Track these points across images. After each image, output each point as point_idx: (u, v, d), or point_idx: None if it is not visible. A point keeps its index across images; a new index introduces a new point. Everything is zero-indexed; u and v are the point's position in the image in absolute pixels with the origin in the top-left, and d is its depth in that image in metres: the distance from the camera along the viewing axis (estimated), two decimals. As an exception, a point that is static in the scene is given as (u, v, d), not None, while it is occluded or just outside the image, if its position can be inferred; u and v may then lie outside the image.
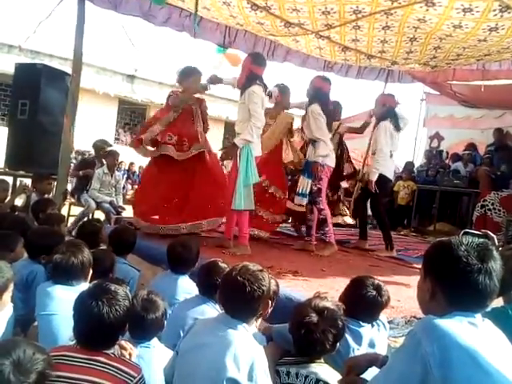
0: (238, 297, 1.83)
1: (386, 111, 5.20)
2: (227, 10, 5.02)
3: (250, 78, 4.33)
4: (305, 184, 4.72)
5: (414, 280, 1.51)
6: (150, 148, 4.81)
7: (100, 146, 7.00)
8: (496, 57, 5.51)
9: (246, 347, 1.77)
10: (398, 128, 5.21)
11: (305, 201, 4.76)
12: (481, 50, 5.16)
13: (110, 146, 7.29)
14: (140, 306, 2.05)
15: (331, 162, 4.81)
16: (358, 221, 5.89)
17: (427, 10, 4.26)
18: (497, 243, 1.60)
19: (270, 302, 1.96)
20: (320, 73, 6.93)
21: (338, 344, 1.93)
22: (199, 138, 4.78)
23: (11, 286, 2.17)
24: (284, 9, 4.76)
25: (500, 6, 3.94)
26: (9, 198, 4.85)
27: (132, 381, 1.70)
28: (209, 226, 4.79)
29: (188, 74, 4.78)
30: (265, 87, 4.41)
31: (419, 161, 10.48)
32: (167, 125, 4.74)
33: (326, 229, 4.73)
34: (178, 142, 4.68)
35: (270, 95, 5.03)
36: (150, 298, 2.11)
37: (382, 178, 5.13)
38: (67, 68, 6.21)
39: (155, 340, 2.13)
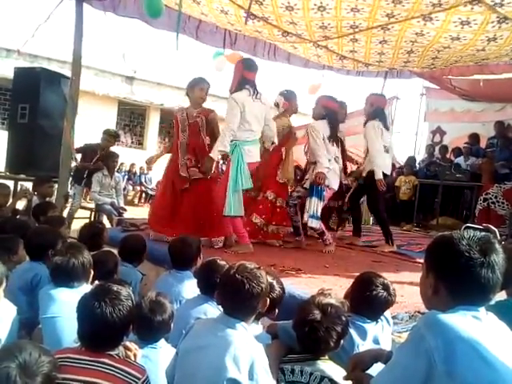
0: (236, 295, 1.83)
1: (374, 111, 5.15)
2: (225, 18, 5.04)
3: (241, 83, 4.32)
4: (314, 204, 4.60)
5: (418, 275, 1.51)
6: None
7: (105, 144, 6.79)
8: (494, 60, 5.54)
9: (246, 347, 1.76)
10: (386, 127, 5.16)
11: (319, 224, 4.66)
12: (479, 57, 5.19)
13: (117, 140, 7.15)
14: (148, 309, 2.06)
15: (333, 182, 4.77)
16: (352, 216, 5.91)
17: (425, 24, 4.28)
18: (498, 237, 1.60)
19: (268, 299, 1.96)
20: (321, 71, 6.94)
21: (342, 341, 1.94)
22: (207, 150, 4.53)
23: (4, 282, 2.17)
24: (281, 21, 4.79)
25: (498, 17, 3.96)
26: (10, 202, 4.85)
27: (137, 382, 1.71)
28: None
29: (192, 85, 4.63)
30: (255, 91, 4.33)
31: (421, 156, 10.47)
32: (186, 149, 4.62)
33: (325, 237, 4.77)
34: (195, 162, 4.55)
35: (276, 105, 5.13)
36: (157, 300, 2.11)
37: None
38: (66, 71, 6.22)
39: (162, 341, 2.14)
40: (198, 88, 4.60)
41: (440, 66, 6.00)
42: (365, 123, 5.17)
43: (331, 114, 4.82)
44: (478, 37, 4.42)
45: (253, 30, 5.32)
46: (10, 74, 6.08)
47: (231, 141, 4.24)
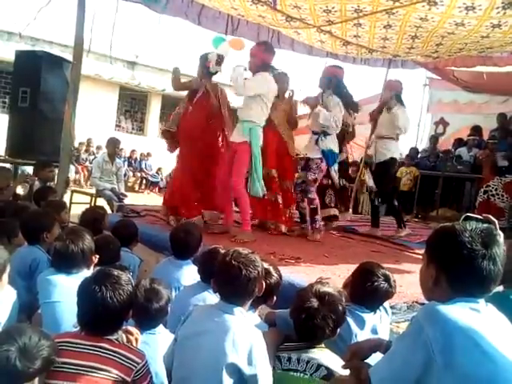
0: (234, 281, 1.84)
1: (394, 97, 5.19)
2: (228, 2, 5.00)
3: (261, 67, 4.30)
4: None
5: (416, 265, 1.52)
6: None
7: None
8: (498, 49, 5.51)
9: (244, 332, 1.78)
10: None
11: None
12: (483, 45, 5.15)
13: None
14: (143, 297, 2.07)
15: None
16: (371, 208, 5.92)
17: (429, 9, 4.26)
18: (498, 228, 1.59)
19: (263, 283, 1.98)
20: (324, 60, 6.88)
21: (338, 330, 1.95)
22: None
23: (8, 268, 2.18)
24: (285, 5, 4.75)
25: (503, 3, 3.93)
26: (11, 186, 4.85)
27: (136, 367, 1.72)
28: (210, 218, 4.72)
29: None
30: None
31: (423, 146, 10.46)
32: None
33: (317, 217, 4.77)
34: None
35: None
36: (152, 288, 2.12)
37: (394, 161, 5.30)
38: (67, 55, 6.17)
39: (161, 327, 2.15)
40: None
41: (444, 55, 5.96)
42: (388, 108, 5.16)
43: (340, 83, 4.81)
44: (483, 23, 4.39)
45: (256, 14, 5.28)
46: (11, 57, 6.04)
47: (251, 121, 4.26)
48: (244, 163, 4.27)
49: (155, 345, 2.04)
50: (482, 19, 4.30)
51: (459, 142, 9.19)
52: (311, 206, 4.77)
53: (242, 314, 1.85)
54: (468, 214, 1.64)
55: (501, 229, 1.49)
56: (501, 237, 1.39)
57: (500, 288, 1.99)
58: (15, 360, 1.44)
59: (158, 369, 1.98)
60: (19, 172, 5.60)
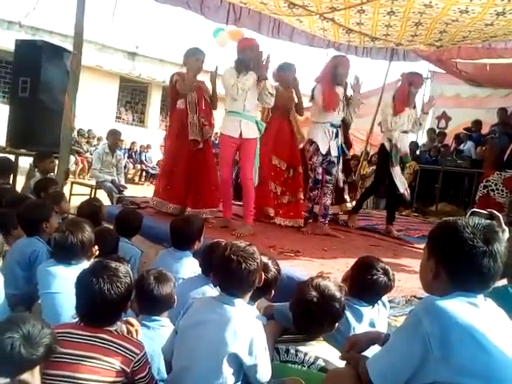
0: (235, 275, 1.85)
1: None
2: None
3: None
4: None
5: (415, 260, 1.52)
6: None
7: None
8: (502, 38, 5.48)
9: (245, 323, 1.80)
10: None
11: None
12: (487, 33, 5.12)
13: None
14: (153, 280, 2.10)
15: None
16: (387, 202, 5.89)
17: None
18: (503, 222, 1.59)
19: (263, 273, 1.99)
20: (326, 51, 6.84)
21: (337, 324, 1.96)
22: (211, 121, 4.71)
23: None
24: None
25: None
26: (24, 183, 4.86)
27: (135, 358, 1.73)
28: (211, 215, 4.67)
29: (190, 55, 4.57)
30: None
31: (423, 140, 10.43)
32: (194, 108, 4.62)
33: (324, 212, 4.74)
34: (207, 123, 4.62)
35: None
36: (162, 273, 2.17)
37: None
38: (68, 45, 6.13)
39: (167, 320, 2.15)
40: (195, 58, 4.53)
41: (447, 43, 5.92)
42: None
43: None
44: (487, 10, 4.38)
45: (258, 2, 5.24)
46: (12, 47, 6.00)
47: (258, 119, 4.39)
48: (255, 158, 4.35)
49: (161, 340, 2.01)
50: (486, 6, 4.29)
51: (458, 138, 9.21)
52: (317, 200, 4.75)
53: (242, 305, 1.86)
54: (474, 210, 1.64)
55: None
56: (506, 231, 1.39)
57: (504, 281, 1.99)
58: (19, 347, 1.45)
59: (162, 364, 1.99)
60: (28, 166, 5.56)
